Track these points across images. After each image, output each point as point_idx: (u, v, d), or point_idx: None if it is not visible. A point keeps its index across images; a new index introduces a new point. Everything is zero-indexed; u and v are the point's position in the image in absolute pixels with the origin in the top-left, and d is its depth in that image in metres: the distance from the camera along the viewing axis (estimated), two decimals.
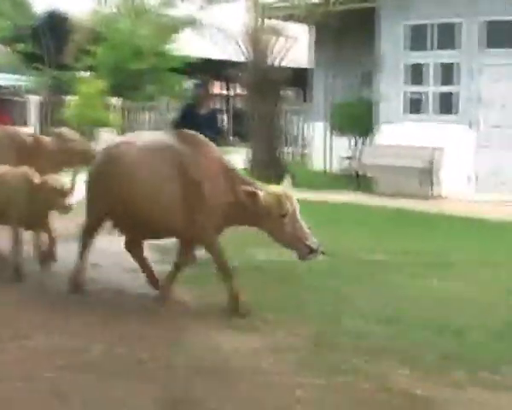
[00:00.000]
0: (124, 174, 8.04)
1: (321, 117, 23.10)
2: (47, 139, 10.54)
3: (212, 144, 8.24)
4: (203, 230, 7.85)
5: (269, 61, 20.68)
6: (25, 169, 8.94)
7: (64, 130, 10.78)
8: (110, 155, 8.40)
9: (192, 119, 10.62)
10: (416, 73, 19.06)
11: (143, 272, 8.73)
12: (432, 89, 18.82)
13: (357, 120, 20.54)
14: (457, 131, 17.92)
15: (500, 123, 17.67)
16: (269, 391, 5.90)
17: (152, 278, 8.64)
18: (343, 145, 21.27)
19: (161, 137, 8.78)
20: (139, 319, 7.66)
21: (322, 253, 7.60)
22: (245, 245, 10.34)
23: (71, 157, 10.20)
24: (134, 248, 8.76)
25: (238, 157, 17.23)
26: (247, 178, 8.07)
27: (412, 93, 19.25)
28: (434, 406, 5.67)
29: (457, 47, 18.37)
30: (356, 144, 21.18)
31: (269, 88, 20.29)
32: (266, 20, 21.60)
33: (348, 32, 21.21)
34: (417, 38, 18.99)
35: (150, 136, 9.42)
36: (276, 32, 21.36)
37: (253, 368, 6.38)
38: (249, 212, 7.62)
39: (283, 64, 21.26)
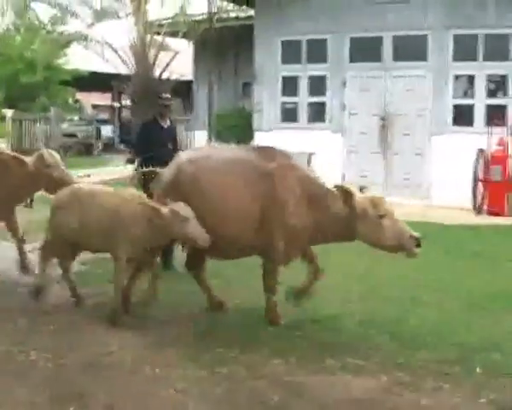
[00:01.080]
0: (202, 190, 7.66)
1: (202, 126, 23.77)
2: (27, 159, 9.54)
3: (296, 160, 7.90)
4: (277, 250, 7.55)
5: (153, 74, 21.60)
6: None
7: (46, 152, 9.57)
8: (185, 171, 7.88)
9: (156, 133, 10.43)
10: (291, 85, 19.85)
11: (204, 292, 8.36)
12: (305, 99, 19.77)
13: (236, 128, 21.39)
14: (328, 137, 18.90)
15: (365, 130, 18.74)
16: (154, 384, 6.13)
17: (212, 300, 8.29)
18: None
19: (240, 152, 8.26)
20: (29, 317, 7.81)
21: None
22: None
23: (47, 182, 9.33)
24: (196, 267, 8.37)
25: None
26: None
27: (287, 103, 20.06)
28: (305, 390, 6.02)
29: (326, 61, 19.33)
30: None
31: (153, 99, 21.08)
32: (152, 36, 22.52)
33: (228, 46, 22.30)
34: (291, 53, 19.77)
35: (228, 150, 8.72)
36: (161, 47, 22.33)
37: (138, 362, 6.59)
38: (343, 223, 7.26)
39: (167, 76, 22.27)
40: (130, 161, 12.69)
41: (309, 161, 18.60)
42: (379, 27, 18.53)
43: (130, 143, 24.68)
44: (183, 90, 25.66)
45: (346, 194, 7.17)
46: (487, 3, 17.49)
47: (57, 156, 9.58)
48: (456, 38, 17.98)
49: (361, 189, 7.54)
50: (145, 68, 21.49)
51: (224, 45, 21.87)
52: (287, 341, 7.25)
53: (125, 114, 34.54)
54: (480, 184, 16.56)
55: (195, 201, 7.55)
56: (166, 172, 8.16)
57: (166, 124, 10.65)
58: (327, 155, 18.41)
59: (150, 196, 8.26)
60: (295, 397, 5.95)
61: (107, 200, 7.92)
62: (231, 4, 23.09)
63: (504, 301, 8.75)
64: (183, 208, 7.45)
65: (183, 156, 8.22)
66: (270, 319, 7.73)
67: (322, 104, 19.60)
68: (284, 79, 20.11)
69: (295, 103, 20.04)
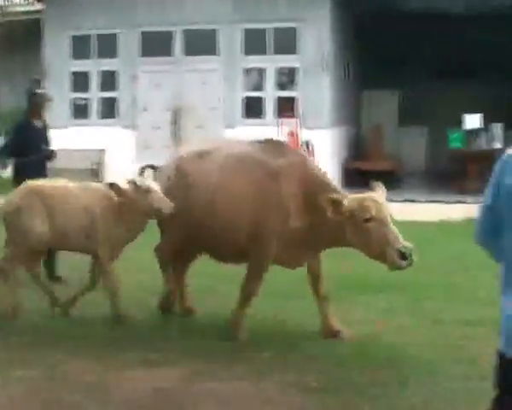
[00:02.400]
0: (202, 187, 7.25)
1: None
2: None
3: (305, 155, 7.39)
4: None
5: None
6: None
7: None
8: (184, 169, 7.46)
9: (30, 132, 9.66)
10: (81, 81, 19.38)
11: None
12: (96, 95, 19.31)
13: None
14: (120, 133, 18.58)
15: (157, 124, 18.53)
16: None
17: (172, 300, 7.84)
18: None
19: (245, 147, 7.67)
20: None
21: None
22: None
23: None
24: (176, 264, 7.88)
25: None
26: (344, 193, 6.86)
27: (78, 99, 19.59)
28: (104, 387, 5.91)
29: (117, 56, 19.02)
30: None
31: None
32: None
33: (17, 42, 21.46)
34: (81, 48, 19.31)
35: (232, 144, 8.16)
36: None
37: None
38: (337, 228, 6.66)
39: None
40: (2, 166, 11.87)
41: (100, 158, 18.16)
42: (170, 22, 18.37)
43: None
44: None
45: (331, 202, 6.58)
46: None
47: None
48: (247, 32, 18.02)
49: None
50: None
51: (12, 41, 20.92)
52: (82, 339, 7.07)
53: None
54: None
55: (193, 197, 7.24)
56: (165, 169, 7.82)
57: (40, 122, 9.90)
58: (119, 150, 18.06)
59: None
60: (94, 395, 5.80)
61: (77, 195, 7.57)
62: None
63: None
64: (142, 180, 7.27)
65: (183, 152, 7.86)
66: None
67: (114, 100, 19.21)
68: (74, 74, 19.57)
69: (86, 99, 19.45)
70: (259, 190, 7.00)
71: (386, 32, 20.31)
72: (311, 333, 7.28)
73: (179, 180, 7.42)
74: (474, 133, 17.70)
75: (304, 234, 6.89)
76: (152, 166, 8.60)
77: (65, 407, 5.64)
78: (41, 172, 9.16)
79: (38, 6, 21.01)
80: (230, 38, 18.18)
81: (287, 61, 18.12)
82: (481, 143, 17.61)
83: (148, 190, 7.20)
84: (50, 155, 9.62)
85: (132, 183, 7.33)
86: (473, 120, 17.68)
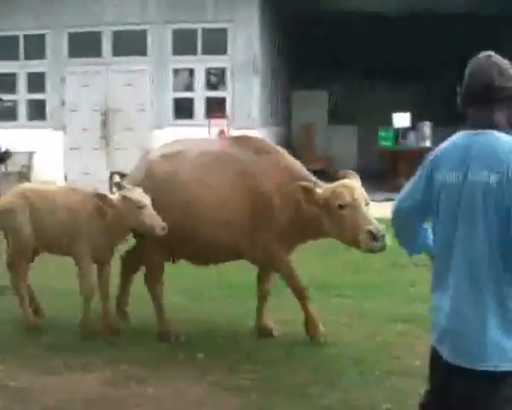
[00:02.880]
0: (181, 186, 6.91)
1: None
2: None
3: (281, 149, 7.15)
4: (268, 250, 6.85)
5: None
6: None
7: None
8: (160, 167, 7.10)
9: None
10: (8, 82, 19.00)
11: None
12: (24, 96, 19.00)
13: None
14: (48, 135, 18.26)
15: (86, 126, 18.24)
16: None
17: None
18: None
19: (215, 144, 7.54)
20: None
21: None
22: None
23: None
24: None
25: None
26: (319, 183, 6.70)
27: (5, 101, 18.96)
28: (29, 394, 5.77)
29: (45, 57, 18.72)
30: None
31: None
32: None
33: None
34: (8, 49, 18.95)
35: (203, 143, 7.96)
36: None
37: None
38: (314, 220, 6.53)
39: None
40: None
41: (30, 160, 17.86)
42: (98, 22, 18.17)
43: None
44: None
45: (303, 189, 6.43)
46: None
47: None
48: (176, 33, 17.91)
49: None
50: None
51: None
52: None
53: None
54: None
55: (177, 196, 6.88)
56: (134, 173, 7.41)
57: None
58: (48, 153, 17.83)
59: None
60: (18, 403, 5.64)
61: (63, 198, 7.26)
62: None
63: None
64: (137, 194, 6.74)
65: (153, 154, 7.43)
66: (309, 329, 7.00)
67: (42, 101, 18.86)
68: (1, 75, 19.04)
69: (13, 101, 19.10)
70: (239, 187, 6.83)
71: (318, 33, 20.41)
72: (244, 333, 7.20)
73: (149, 183, 7.07)
74: (403, 132, 17.92)
75: (285, 229, 6.78)
76: (120, 173, 8.20)
77: None
78: None
79: None
80: (160, 38, 18.04)
81: (216, 61, 18.05)
82: (411, 142, 17.81)
83: (141, 207, 6.75)
84: (3, 156, 9.24)
85: (125, 196, 6.85)
86: (402, 119, 17.87)
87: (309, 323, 6.96)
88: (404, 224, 3.86)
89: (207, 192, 6.84)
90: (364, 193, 6.48)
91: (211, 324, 7.53)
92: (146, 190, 6.86)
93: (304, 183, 6.49)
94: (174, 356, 6.63)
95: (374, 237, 6.09)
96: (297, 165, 7.01)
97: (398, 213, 3.86)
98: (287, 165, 6.93)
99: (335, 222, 6.38)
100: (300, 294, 6.95)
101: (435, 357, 3.55)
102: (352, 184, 6.51)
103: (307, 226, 6.70)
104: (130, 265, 7.76)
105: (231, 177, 6.86)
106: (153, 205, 6.74)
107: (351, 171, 6.81)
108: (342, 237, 6.49)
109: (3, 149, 9.57)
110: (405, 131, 17.97)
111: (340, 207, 6.31)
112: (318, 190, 6.44)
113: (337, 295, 8.59)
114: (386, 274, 9.65)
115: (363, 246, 6.21)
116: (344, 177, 6.67)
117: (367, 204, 6.40)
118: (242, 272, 8.03)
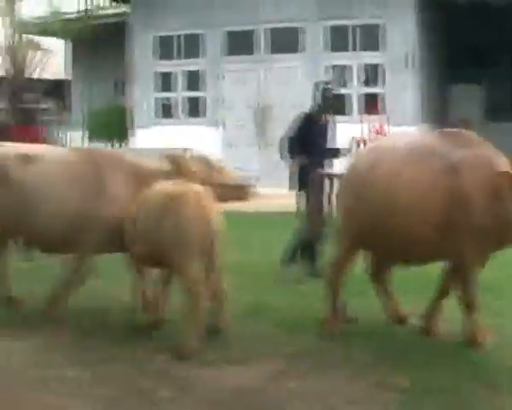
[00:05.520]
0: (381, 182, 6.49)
1: (78, 125, 23.05)
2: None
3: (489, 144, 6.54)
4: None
5: (25, 74, 20.82)
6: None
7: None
8: (363, 162, 6.78)
9: (314, 128, 9.11)
10: (166, 81, 19.65)
11: (385, 304, 7.18)
12: (181, 94, 19.55)
13: (112, 126, 20.79)
14: (205, 131, 18.63)
15: (241, 122, 18.54)
16: (36, 387, 5.75)
17: (396, 313, 7.12)
18: None
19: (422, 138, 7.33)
20: None
21: None
22: None
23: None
24: (379, 276, 7.18)
25: None
26: None
27: (163, 99, 19.88)
28: (192, 384, 5.75)
29: (202, 55, 19.20)
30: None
31: (27, 100, 20.42)
32: (23, 35, 21.71)
33: (102, 44, 21.74)
34: (166, 48, 19.56)
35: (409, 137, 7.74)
36: (33, 47, 21.56)
37: (21, 366, 6.24)
38: None
39: (41, 76, 21.51)
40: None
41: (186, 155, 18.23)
42: (254, 21, 18.28)
43: None
44: (57, 90, 24.75)
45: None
46: None
47: None
48: (330, 29, 17.87)
49: None
50: (17, 69, 20.64)
51: (99, 43, 21.26)
52: (168, 337, 6.81)
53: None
54: None
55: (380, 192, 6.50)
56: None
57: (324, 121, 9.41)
58: (205, 149, 18.00)
59: None
60: (183, 392, 5.67)
61: None
62: (106, 1, 22.48)
63: None
64: None
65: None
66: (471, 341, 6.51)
67: (199, 99, 19.26)
68: (160, 74, 19.70)
69: (172, 99, 19.56)
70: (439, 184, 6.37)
71: (474, 25, 19.83)
72: (403, 331, 7.05)
73: (351, 174, 6.87)
74: None
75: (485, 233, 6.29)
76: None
77: (159, 403, 5.52)
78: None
79: (123, 8, 21.29)
80: (314, 35, 18.06)
81: (371, 57, 17.88)
82: None
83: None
84: (336, 153, 9.31)
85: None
86: None
87: (471, 332, 6.53)
88: None
89: (404, 186, 6.39)
90: None
91: (367, 321, 7.38)
92: (348, 181, 6.79)
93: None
94: (331, 353, 6.49)
95: None
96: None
97: None
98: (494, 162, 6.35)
99: None
100: (471, 307, 6.47)
101: None
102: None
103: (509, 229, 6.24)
104: None
105: (431, 172, 6.38)
106: (355, 196, 6.59)
107: None
108: None
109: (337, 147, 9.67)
110: None
111: None
112: None
113: None
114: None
115: None
116: None
117: None
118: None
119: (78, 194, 7.23)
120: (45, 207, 7.25)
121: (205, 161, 7.37)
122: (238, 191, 7.47)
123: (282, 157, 9.26)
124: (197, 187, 6.51)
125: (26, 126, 24.13)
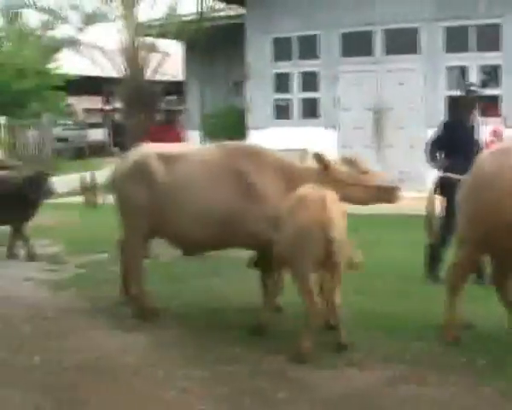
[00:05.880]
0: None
1: (195, 126, 23.64)
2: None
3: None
4: None
5: (144, 76, 21.29)
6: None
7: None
8: (489, 166, 6.48)
9: (461, 130, 9.14)
10: (282, 82, 19.74)
11: (508, 311, 6.94)
12: (296, 95, 19.66)
13: (228, 127, 21.06)
14: (321, 133, 18.62)
15: (358, 124, 18.56)
16: (156, 385, 5.93)
17: None
18: None
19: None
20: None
21: None
22: None
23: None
24: (502, 282, 6.98)
25: None
26: None
27: (279, 100, 19.98)
28: (309, 385, 5.81)
29: (317, 57, 19.27)
30: None
31: (145, 101, 20.87)
32: (141, 38, 22.19)
33: (219, 46, 22.11)
34: (282, 50, 19.66)
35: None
36: (151, 49, 22.01)
37: (140, 364, 6.39)
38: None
39: (159, 78, 21.98)
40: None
41: (302, 158, 18.37)
42: (370, 21, 18.32)
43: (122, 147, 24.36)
44: (174, 91, 25.32)
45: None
46: None
47: None
48: (447, 30, 17.73)
49: None
50: (136, 71, 21.14)
51: (214, 44, 21.65)
52: (287, 338, 6.90)
53: (117, 117, 34.19)
54: None
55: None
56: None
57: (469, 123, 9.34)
58: (321, 151, 18.10)
59: None
60: (300, 393, 5.75)
61: None
62: (221, 3, 22.80)
63: None
64: None
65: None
66: None
67: (315, 100, 19.41)
68: (276, 76, 19.94)
69: (288, 100, 19.82)
70: None
71: None
72: None
73: (475, 179, 6.67)
74: None
75: None
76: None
77: (275, 403, 5.62)
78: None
79: (239, 10, 21.58)
80: (432, 36, 17.88)
81: (489, 58, 17.67)
82: None
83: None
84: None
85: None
86: None
87: None
88: None
89: None
90: None
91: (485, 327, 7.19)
92: (472, 186, 6.56)
93: None
94: (451, 359, 6.40)
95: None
96: None
97: None
98: None
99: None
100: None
101: None
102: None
103: None
104: None
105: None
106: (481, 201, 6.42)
107: None
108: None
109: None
110: None
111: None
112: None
113: None
114: None
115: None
116: None
117: None
118: None
119: (226, 192, 7.22)
120: (192, 207, 7.27)
121: (351, 162, 7.39)
122: (386, 193, 7.43)
123: (427, 161, 9.41)
124: (322, 192, 6.41)
125: (165, 126, 24.92)
